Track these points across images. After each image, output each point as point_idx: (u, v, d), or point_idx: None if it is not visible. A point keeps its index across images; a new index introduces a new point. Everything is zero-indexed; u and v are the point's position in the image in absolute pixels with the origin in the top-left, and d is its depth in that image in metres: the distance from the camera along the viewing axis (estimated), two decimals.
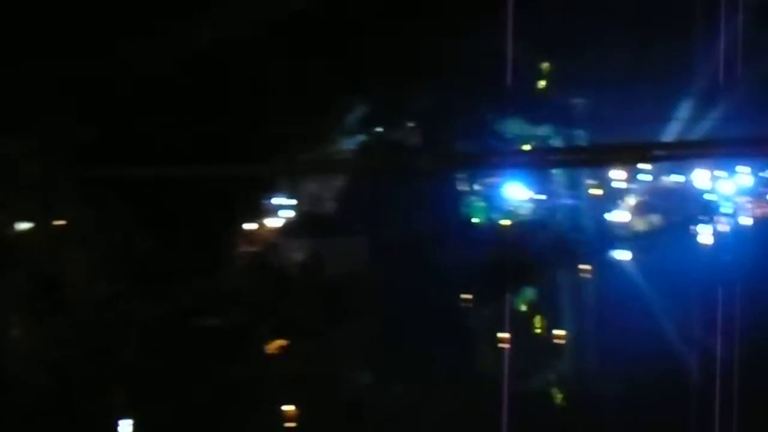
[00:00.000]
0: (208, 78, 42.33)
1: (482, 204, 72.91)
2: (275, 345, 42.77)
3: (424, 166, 59.06)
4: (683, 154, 70.86)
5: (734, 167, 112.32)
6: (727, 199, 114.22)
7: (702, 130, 68.93)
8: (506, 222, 72.39)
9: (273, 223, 56.51)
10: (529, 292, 62.08)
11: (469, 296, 55.52)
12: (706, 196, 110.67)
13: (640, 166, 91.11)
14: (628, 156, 70.70)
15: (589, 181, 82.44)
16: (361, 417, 32.80)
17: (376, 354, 41.22)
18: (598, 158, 72.41)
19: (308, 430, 31.10)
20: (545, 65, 71.36)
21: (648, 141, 68.69)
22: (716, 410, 27.22)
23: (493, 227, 70.12)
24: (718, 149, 66.88)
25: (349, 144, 60.53)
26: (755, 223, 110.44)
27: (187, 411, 30.02)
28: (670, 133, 70.53)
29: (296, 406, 32.65)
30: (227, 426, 29.51)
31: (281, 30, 44.67)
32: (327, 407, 32.53)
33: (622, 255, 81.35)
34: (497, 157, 67.20)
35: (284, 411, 32.15)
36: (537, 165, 73.16)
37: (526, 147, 70.72)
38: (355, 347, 42.20)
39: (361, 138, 60.82)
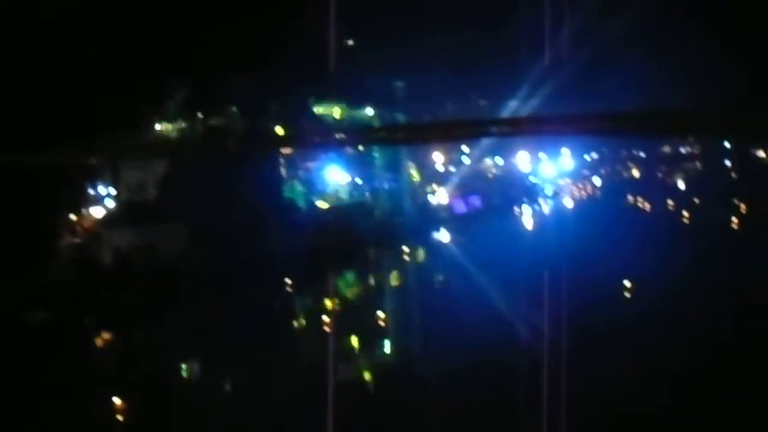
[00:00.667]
0: (22, 59, 42.31)
1: (303, 189, 74.49)
2: (102, 337, 43.64)
3: (233, 148, 60.52)
4: (509, 131, 73.37)
5: (557, 150, 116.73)
6: (550, 181, 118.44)
7: (528, 109, 71.16)
8: (327, 206, 74.12)
9: (96, 213, 57.08)
10: (352, 276, 63.19)
11: (292, 281, 56.81)
12: (529, 179, 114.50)
13: (463, 148, 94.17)
14: (456, 132, 73.42)
15: (411, 165, 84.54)
16: (189, 405, 33.97)
17: (201, 343, 42.22)
18: (422, 136, 74.84)
19: (137, 420, 32.07)
20: (366, 49, 72.97)
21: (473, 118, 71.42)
22: (544, 390, 28.17)
23: (314, 211, 71.61)
24: (545, 126, 69.90)
25: (171, 130, 61.65)
26: (577, 204, 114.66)
27: (14, 407, 30.65)
28: (496, 113, 72.97)
29: (124, 398, 33.69)
30: (57, 420, 30.17)
31: (103, 13, 45.07)
32: (154, 398, 33.61)
33: (445, 237, 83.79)
34: (313, 137, 68.95)
35: (113, 403, 33.19)
36: (354, 144, 75.25)
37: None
38: (180, 337, 42.91)
39: (182, 123, 61.97)
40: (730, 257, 61.55)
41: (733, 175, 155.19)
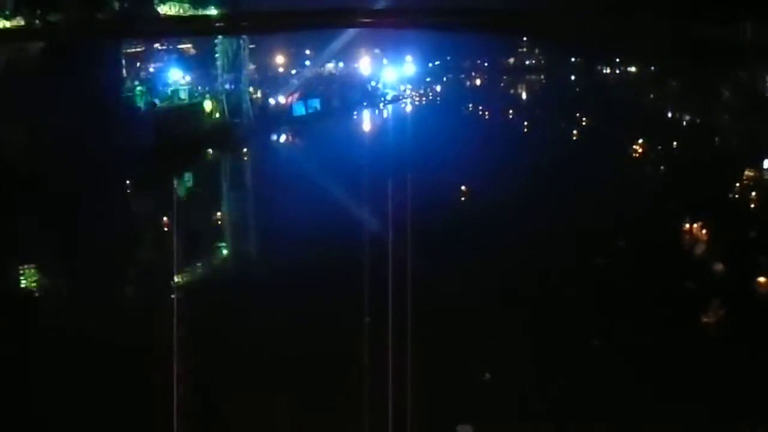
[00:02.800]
0: None
1: (144, 89, 76.18)
2: None
3: (62, 34, 61.50)
4: (346, 22, 76.10)
5: (400, 56, 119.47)
6: (391, 86, 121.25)
7: None
8: (167, 106, 75.70)
9: None
10: (191, 177, 64.87)
11: (132, 182, 59.08)
12: (371, 83, 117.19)
13: (306, 51, 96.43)
14: (296, 22, 75.70)
15: (251, 66, 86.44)
16: (29, 311, 35.36)
17: (36, 245, 43.42)
18: (264, 25, 76.67)
19: None
20: None
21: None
22: (390, 286, 29.22)
23: (154, 112, 73.24)
24: (379, 18, 73.12)
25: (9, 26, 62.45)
26: (418, 110, 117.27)
27: None
28: None
29: None
30: None
31: None
32: None
33: (284, 139, 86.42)
34: (153, 27, 69.98)
35: None
36: (196, 34, 76.72)
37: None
38: (19, 241, 43.66)
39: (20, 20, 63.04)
40: (569, 167, 64.86)
41: (577, 89, 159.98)
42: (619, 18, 72.12)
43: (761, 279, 38.85)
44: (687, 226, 47.44)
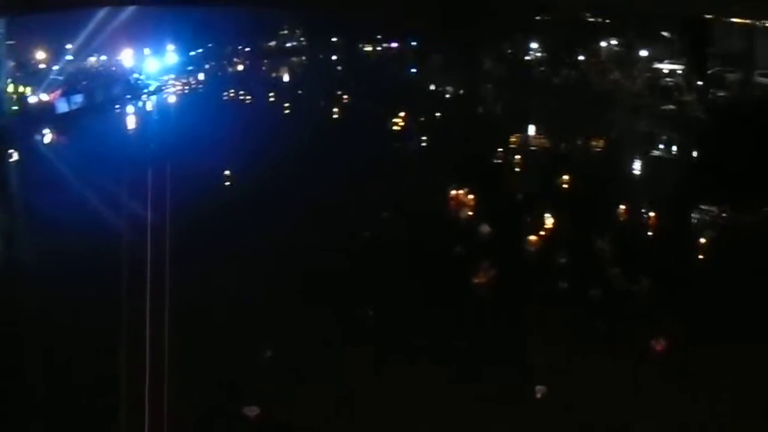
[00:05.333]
0: None
1: None
2: None
3: None
4: None
5: (161, 46, 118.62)
6: (154, 77, 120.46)
7: None
8: None
9: None
10: None
11: None
12: (133, 76, 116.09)
13: (67, 46, 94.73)
14: None
15: (11, 63, 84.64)
16: None
17: None
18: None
19: None
20: None
21: None
22: (148, 267, 29.80)
23: None
24: None
25: None
26: (180, 100, 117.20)
27: None
28: None
29: None
30: None
31: None
32: None
33: (49, 138, 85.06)
34: None
35: None
36: None
37: None
38: None
39: None
40: (330, 145, 65.90)
41: (339, 68, 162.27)
42: None
43: (531, 237, 40.69)
44: (452, 193, 49.05)
